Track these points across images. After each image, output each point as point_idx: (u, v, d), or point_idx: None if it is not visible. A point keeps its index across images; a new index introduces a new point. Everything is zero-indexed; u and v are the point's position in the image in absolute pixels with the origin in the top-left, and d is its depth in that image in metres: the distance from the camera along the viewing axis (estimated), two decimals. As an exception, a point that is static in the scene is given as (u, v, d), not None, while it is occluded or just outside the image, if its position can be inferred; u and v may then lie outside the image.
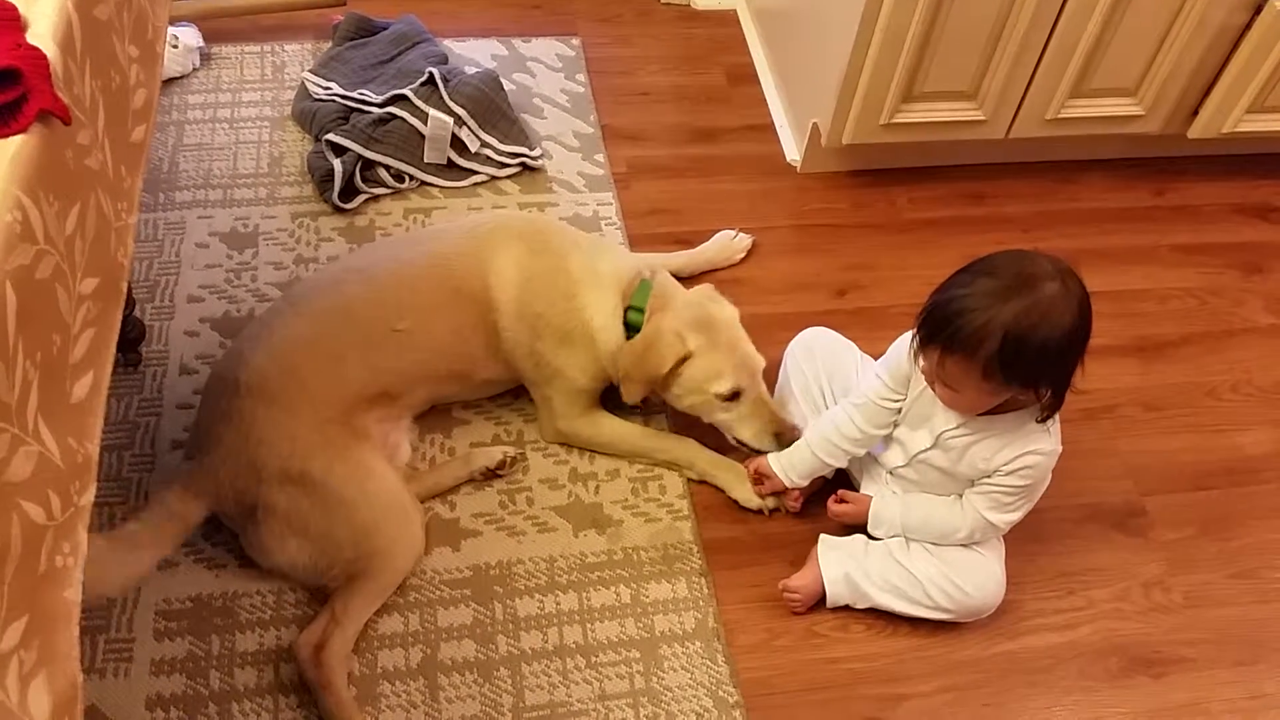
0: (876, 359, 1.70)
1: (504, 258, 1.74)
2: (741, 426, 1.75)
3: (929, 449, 1.59)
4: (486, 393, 1.89)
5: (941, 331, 1.40)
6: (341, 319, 1.67)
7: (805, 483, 1.73)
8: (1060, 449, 1.54)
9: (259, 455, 1.55)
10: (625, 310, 1.75)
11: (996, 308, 1.35)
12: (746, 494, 1.77)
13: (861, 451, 1.69)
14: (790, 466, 1.71)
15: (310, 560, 1.57)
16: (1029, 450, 1.51)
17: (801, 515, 1.78)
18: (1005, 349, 1.35)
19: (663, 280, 1.80)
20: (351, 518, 1.56)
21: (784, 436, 1.73)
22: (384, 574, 1.59)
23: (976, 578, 1.62)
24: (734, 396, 1.71)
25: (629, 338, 1.74)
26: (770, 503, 1.77)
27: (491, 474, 1.78)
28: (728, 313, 1.77)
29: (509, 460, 1.79)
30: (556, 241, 1.79)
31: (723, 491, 1.80)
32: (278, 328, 1.67)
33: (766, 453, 1.74)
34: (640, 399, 1.74)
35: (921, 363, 1.49)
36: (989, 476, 1.56)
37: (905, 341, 1.54)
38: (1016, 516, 1.60)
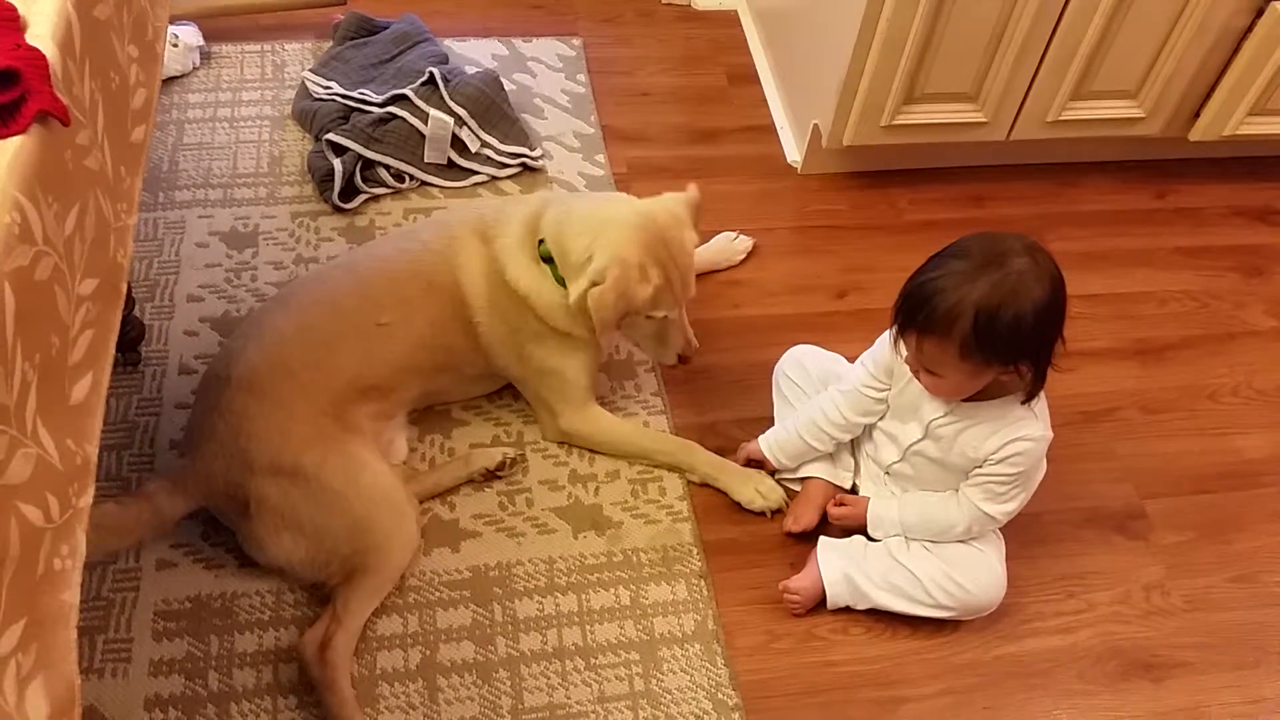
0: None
1: (465, 253, 1.73)
2: (653, 342, 1.76)
3: (921, 440, 1.60)
4: (480, 390, 1.88)
5: (915, 315, 1.43)
6: (328, 313, 1.68)
7: (793, 465, 1.76)
8: (1051, 435, 1.55)
9: (250, 448, 1.55)
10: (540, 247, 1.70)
11: (967, 286, 1.37)
12: (750, 495, 1.77)
13: (846, 437, 1.73)
14: (778, 448, 1.76)
15: (306, 555, 1.57)
16: (1018, 437, 1.52)
17: (801, 517, 1.78)
18: (978, 326, 1.37)
19: (560, 202, 1.73)
20: (345, 511, 1.56)
21: (686, 356, 1.76)
22: (382, 569, 1.59)
23: (977, 574, 1.62)
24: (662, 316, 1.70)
25: (555, 276, 1.69)
26: (774, 503, 1.77)
27: (491, 475, 1.78)
28: (686, 238, 1.66)
29: (509, 461, 1.78)
30: (496, 224, 1.74)
31: (725, 494, 1.80)
32: (268, 324, 1.67)
33: (668, 364, 1.80)
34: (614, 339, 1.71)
35: (903, 352, 1.51)
36: (980, 466, 1.57)
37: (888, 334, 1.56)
38: (1012, 507, 1.60)
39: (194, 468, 1.58)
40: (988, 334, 1.38)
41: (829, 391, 1.72)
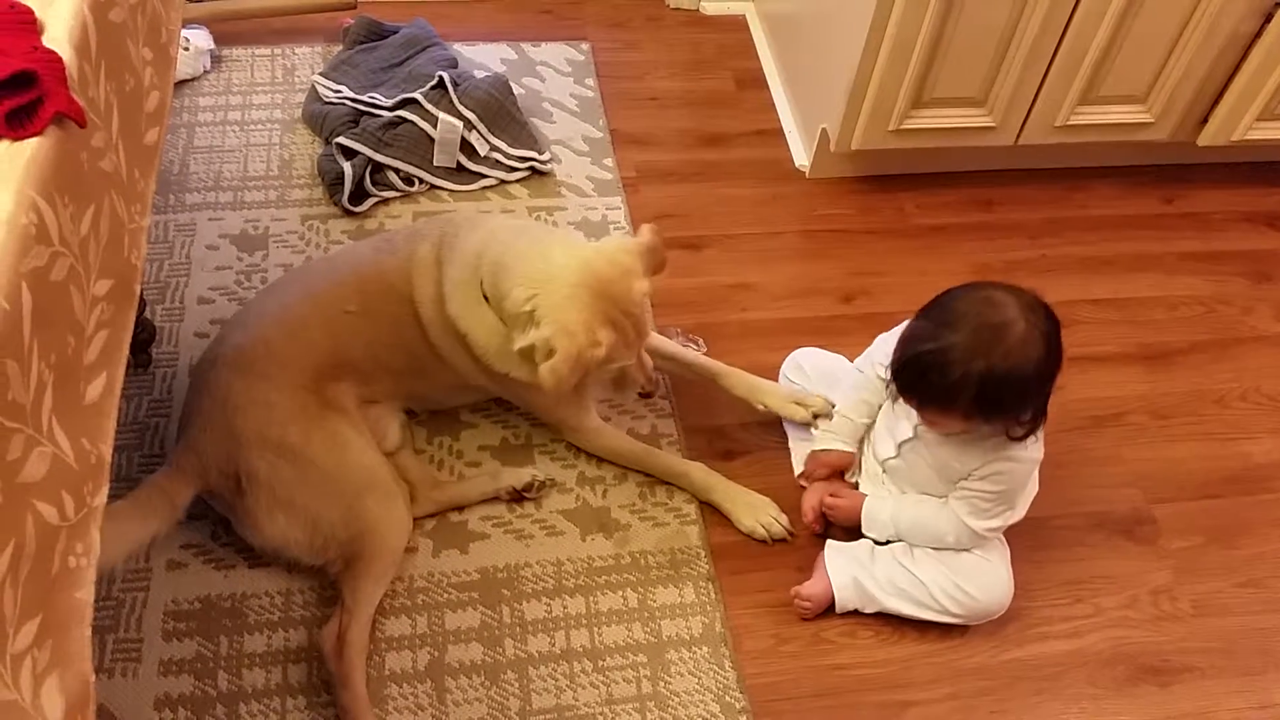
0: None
1: (421, 273, 1.68)
2: (611, 385, 1.73)
3: (911, 438, 1.62)
4: (473, 398, 1.87)
5: (915, 387, 1.46)
6: (305, 297, 1.70)
7: (852, 448, 1.75)
8: (1040, 456, 1.56)
9: (236, 421, 1.57)
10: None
11: (967, 363, 1.39)
12: (751, 525, 1.75)
13: (879, 402, 1.72)
14: (840, 440, 1.74)
15: (302, 536, 1.57)
16: (1002, 456, 1.53)
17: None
18: (982, 398, 1.40)
19: (501, 239, 1.62)
20: (335, 491, 1.57)
21: (648, 391, 1.70)
22: (380, 554, 1.59)
23: (984, 581, 1.62)
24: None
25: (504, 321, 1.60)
26: (777, 534, 1.75)
27: (518, 495, 1.76)
28: (635, 288, 1.54)
29: (537, 484, 1.77)
30: (450, 250, 1.67)
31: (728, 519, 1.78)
32: (253, 309, 1.73)
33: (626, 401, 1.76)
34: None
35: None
36: (966, 479, 1.58)
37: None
38: (996, 524, 1.60)
39: (186, 448, 1.59)
40: (993, 403, 1.41)
41: (854, 373, 1.75)
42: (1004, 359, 1.38)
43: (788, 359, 1.90)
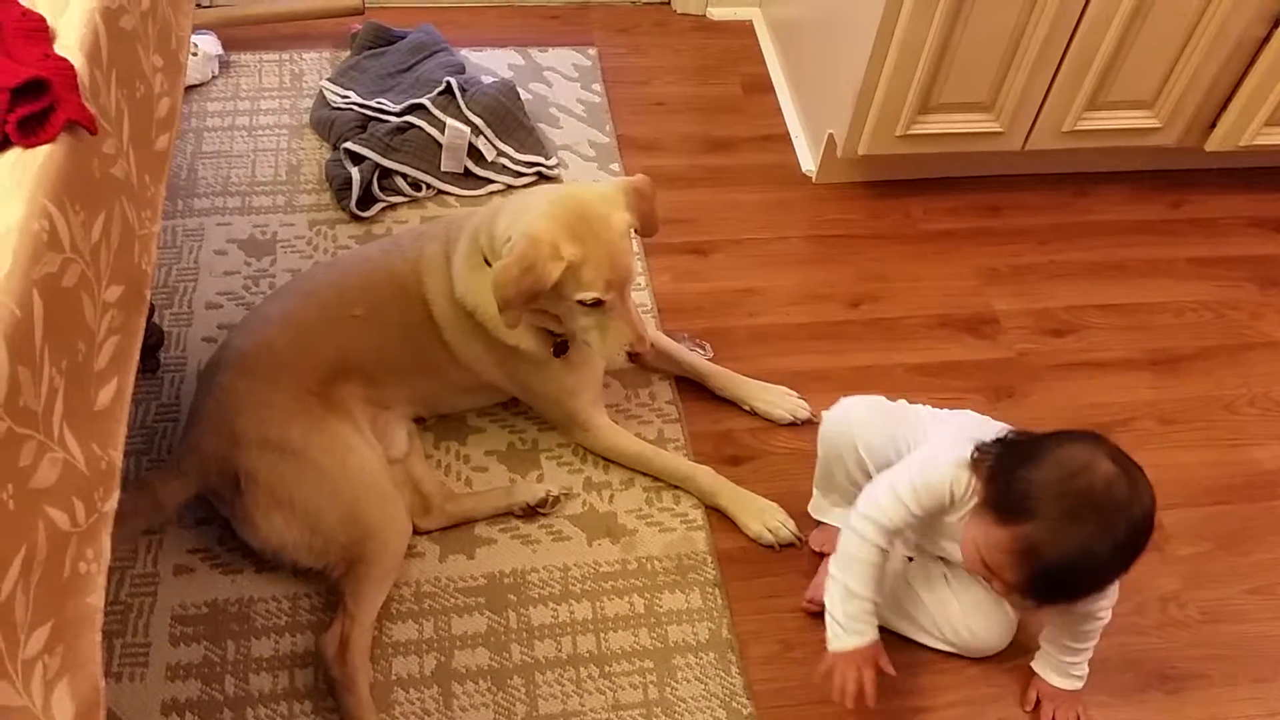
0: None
1: (431, 272, 1.70)
2: (596, 335, 1.62)
3: None
4: (483, 401, 1.88)
5: (1065, 592, 1.37)
6: (310, 301, 1.71)
7: (877, 631, 1.46)
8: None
9: (237, 422, 1.57)
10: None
11: (1112, 538, 1.29)
12: (758, 529, 1.75)
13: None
14: (862, 632, 1.45)
15: (300, 538, 1.57)
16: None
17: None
18: (1132, 556, 1.33)
19: (493, 217, 1.64)
20: (334, 493, 1.57)
21: (636, 352, 1.63)
22: (381, 558, 1.59)
23: (986, 620, 1.59)
24: (595, 304, 1.58)
25: None
26: (784, 539, 1.74)
27: (532, 510, 1.76)
28: (615, 218, 1.57)
29: (552, 499, 1.76)
30: (455, 240, 1.70)
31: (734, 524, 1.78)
32: (257, 314, 1.75)
33: (616, 364, 1.66)
34: (519, 321, 1.60)
35: (997, 582, 1.38)
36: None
37: (945, 471, 1.42)
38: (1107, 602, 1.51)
39: (188, 449, 1.60)
40: (1139, 551, 1.33)
41: (854, 534, 1.46)
42: (1137, 507, 1.29)
43: (831, 422, 1.62)
